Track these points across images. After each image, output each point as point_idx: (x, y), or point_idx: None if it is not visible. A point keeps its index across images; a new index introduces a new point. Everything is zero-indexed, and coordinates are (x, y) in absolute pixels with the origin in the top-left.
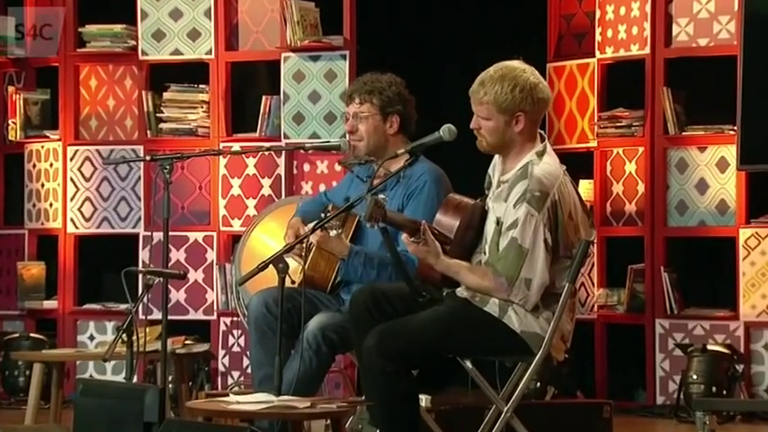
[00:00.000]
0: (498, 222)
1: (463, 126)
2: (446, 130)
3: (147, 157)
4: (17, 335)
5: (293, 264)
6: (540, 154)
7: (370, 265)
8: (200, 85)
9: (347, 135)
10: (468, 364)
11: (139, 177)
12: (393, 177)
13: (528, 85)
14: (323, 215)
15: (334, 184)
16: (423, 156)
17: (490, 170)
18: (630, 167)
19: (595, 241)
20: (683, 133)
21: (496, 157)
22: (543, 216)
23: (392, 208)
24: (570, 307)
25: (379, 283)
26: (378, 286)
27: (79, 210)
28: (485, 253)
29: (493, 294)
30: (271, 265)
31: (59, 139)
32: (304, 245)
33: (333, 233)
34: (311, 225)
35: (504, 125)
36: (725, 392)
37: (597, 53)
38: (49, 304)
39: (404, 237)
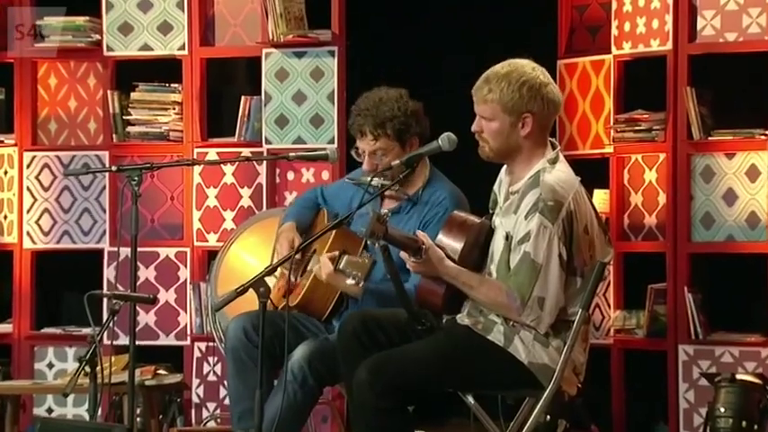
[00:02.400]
0: (508, 237)
1: (466, 133)
2: (445, 139)
3: (113, 168)
4: None
5: (275, 283)
6: (553, 162)
7: (385, 304)
8: (172, 85)
9: (366, 175)
10: (471, 399)
11: (104, 187)
12: (408, 200)
13: (537, 84)
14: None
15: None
16: (441, 174)
17: (495, 187)
18: (650, 176)
19: (612, 259)
20: (709, 138)
21: (502, 172)
22: (558, 228)
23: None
24: (583, 335)
25: (373, 309)
26: (369, 312)
27: (37, 223)
28: (490, 274)
29: (504, 313)
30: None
31: (15, 144)
32: (294, 260)
33: (350, 281)
34: (316, 236)
35: (510, 127)
36: (756, 427)
37: (613, 49)
38: (3, 328)
39: (402, 254)
